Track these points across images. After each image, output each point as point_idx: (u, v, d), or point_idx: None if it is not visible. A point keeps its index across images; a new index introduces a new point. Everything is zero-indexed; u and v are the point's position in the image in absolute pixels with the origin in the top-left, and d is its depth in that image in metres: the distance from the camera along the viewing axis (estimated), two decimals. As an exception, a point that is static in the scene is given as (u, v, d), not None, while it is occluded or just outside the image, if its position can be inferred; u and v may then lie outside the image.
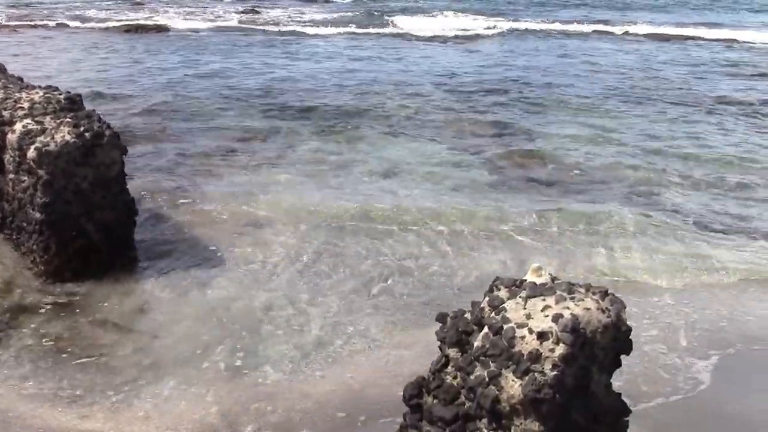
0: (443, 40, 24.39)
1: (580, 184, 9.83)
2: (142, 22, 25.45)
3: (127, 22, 25.02)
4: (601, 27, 28.16)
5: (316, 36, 24.76)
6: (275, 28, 26.19)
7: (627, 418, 3.81)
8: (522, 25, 28.29)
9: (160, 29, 24.25)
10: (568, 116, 13.59)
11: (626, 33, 26.86)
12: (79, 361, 5.28)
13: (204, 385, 4.98)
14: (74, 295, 6.19)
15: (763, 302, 6.57)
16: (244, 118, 12.54)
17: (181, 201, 8.41)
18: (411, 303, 6.29)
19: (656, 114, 14.03)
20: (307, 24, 27.98)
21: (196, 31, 24.96)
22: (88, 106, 7.13)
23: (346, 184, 9.34)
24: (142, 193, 8.34)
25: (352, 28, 26.65)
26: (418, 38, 24.38)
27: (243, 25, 26.85)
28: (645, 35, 26.49)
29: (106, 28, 24.32)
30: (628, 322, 3.63)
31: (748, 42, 25.49)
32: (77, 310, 5.96)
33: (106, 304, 6.08)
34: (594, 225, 8.21)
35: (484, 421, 3.53)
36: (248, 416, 4.66)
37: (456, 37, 25.18)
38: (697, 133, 12.65)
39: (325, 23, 27.90)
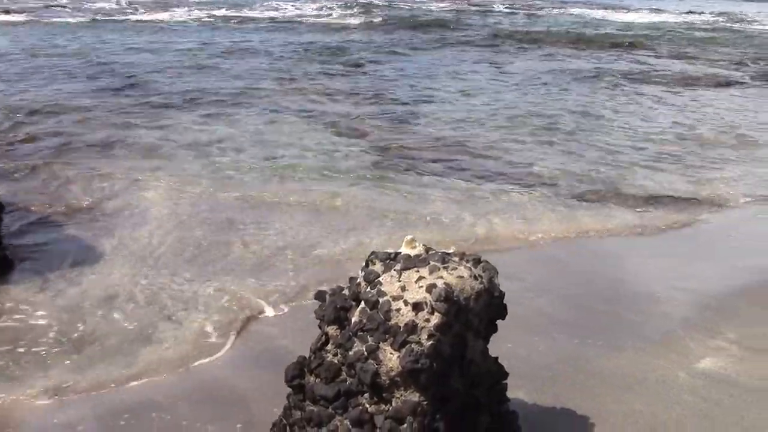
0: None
1: (457, 157, 10.04)
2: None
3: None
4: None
5: (169, 21, 24.13)
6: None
7: (505, 381, 3.90)
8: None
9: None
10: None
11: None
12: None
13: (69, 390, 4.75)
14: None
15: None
16: (110, 109, 12.07)
17: (56, 195, 8.02)
18: (298, 282, 6.23)
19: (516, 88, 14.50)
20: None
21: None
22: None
23: (227, 168, 9.16)
24: (7, 189, 7.90)
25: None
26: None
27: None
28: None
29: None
30: (500, 287, 3.72)
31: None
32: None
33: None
34: (473, 195, 8.44)
35: (366, 396, 3.53)
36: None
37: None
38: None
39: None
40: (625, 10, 30.36)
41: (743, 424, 4.31)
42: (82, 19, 22.93)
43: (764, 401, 4.55)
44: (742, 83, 16.63)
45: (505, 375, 3.87)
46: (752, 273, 6.62)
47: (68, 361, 5.01)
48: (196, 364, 5.03)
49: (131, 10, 26.08)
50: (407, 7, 28.33)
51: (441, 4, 29.36)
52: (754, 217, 8.23)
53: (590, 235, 7.54)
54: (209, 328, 5.49)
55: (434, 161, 9.89)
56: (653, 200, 8.61)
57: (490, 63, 17.74)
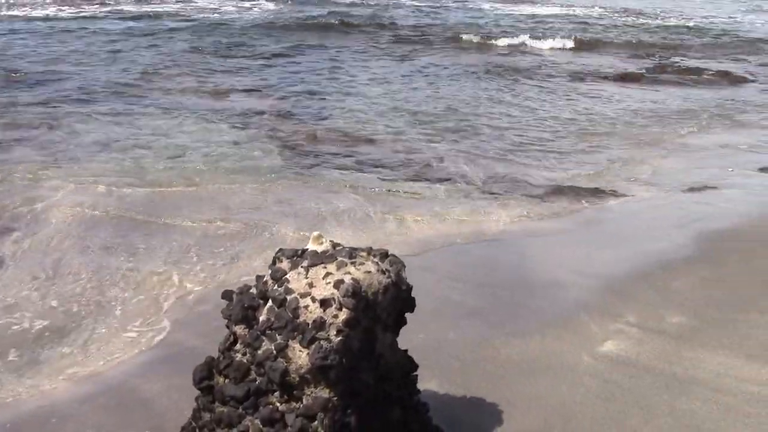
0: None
1: (366, 153, 10.10)
2: None
3: None
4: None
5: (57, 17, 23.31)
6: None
7: (416, 373, 3.95)
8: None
9: None
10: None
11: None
12: None
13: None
14: None
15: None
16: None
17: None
18: (207, 283, 6.14)
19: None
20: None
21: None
22: None
23: (130, 168, 8.94)
24: None
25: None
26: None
27: None
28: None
29: None
30: (408, 280, 3.76)
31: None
32: None
33: None
34: (383, 191, 8.52)
35: (276, 394, 3.52)
36: None
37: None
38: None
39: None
40: (536, 3, 31.27)
41: (642, 403, 4.51)
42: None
43: (661, 380, 4.76)
44: (640, 76, 17.30)
45: (415, 367, 3.92)
46: (651, 257, 6.90)
47: (-36, 374, 4.79)
48: (100, 369, 4.89)
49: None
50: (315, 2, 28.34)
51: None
52: (655, 205, 8.57)
53: (498, 226, 7.71)
54: (114, 333, 5.35)
55: (343, 156, 9.90)
56: (558, 191, 8.86)
57: (397, 60, 17.86)
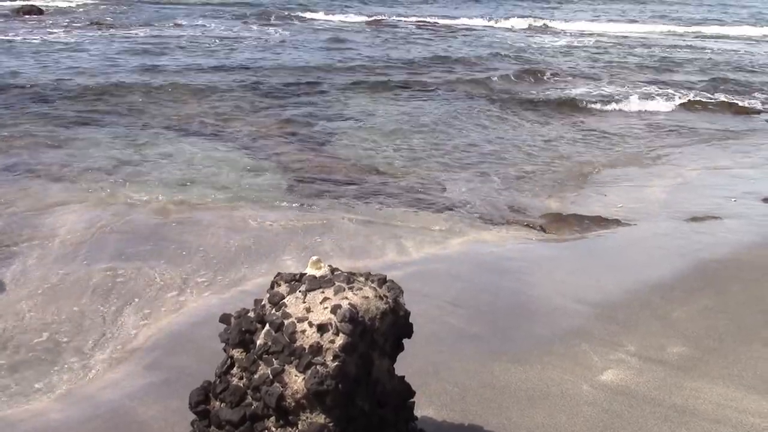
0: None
1: (370, 180, 10.13)
2: None
3: None
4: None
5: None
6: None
7: (413, 399, 3.93)
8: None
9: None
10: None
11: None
12: None
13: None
14: None
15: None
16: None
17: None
18: (206, 306, 6.13)
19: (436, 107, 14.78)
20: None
21: None
22: None
23: (135, 192, 8.97)
24: None
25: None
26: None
27: None
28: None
29: None
30: (406, 306, 3.76)
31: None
32: None
33: None
34: (384, 218, 8.52)
35: (272, 419, 3.51)
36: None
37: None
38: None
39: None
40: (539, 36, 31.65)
41: (641, 433, 4.47)
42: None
43: (660, 411, 4.73)
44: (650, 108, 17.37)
45: (412, 393, 3.90)
46: (653, 286, 6.88)
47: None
48: (96, 392, 4.88)
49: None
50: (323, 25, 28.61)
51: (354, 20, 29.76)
52: (657, 234, 8.56)
53: (499, 253, 7.70)
54: (111, 356, 5.34)
55: (347, 184, 9.92)
56: (560, 219, 8.86)
57: (402, 88, 17.89)
